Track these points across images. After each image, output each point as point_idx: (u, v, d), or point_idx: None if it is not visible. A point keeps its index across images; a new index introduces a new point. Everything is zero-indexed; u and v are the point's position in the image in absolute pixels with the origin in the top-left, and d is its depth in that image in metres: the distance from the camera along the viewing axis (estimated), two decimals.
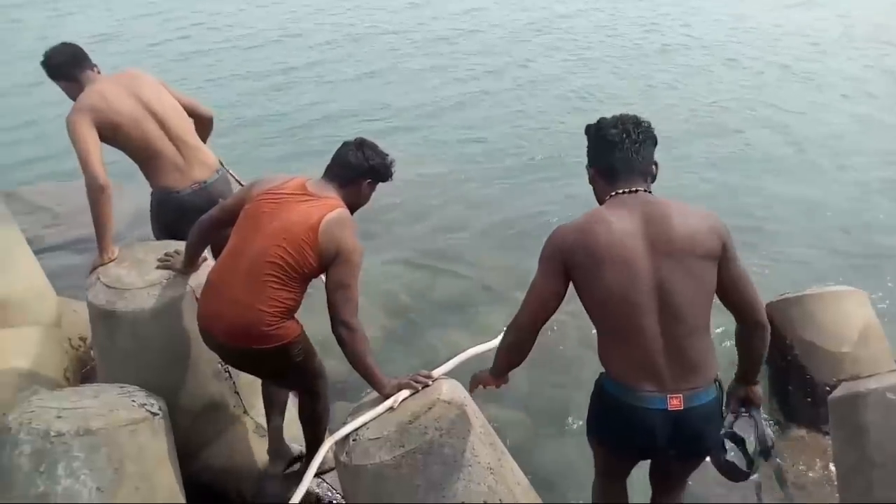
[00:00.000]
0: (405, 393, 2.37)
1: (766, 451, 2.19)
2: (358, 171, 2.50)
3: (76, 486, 2.09)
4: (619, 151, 2.01)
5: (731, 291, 2.00)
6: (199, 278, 2.78)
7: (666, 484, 2.29)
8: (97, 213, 2.90)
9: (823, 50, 10.22)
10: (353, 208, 2.52)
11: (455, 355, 2.60)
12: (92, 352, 3.31)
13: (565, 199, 6.22)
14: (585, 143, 2.16)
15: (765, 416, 2.19)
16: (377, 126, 7.91)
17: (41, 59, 3.12)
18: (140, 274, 2.79)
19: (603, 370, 2.09)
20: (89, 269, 2.89)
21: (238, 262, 2.39)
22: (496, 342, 2.66)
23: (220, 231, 2.67)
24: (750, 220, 5.99)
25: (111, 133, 2.99)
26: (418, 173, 6.77)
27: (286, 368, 2.54)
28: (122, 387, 2.49)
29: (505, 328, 2.23)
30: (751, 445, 2.20)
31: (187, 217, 2.99)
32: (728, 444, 2.14)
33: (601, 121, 2.08)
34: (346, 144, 2.55)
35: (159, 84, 3.23)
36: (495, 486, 2.28)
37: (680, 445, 1.96)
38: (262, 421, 2.89)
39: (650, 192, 2.03)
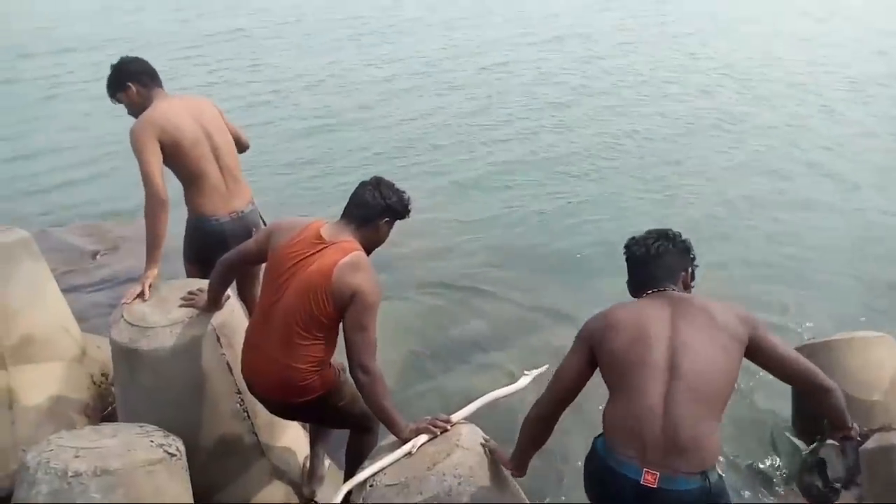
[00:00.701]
0: (424, 437, 2.34)
1: (850, 481, 2.21)
2: (375, 210, 2.51)
3: None
4: (642, 267, 2.16)
5: (781, 371, 2.05)
6: (221, 318, 2.81)
7: None
8: (153, 225, 3.03)
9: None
10: (371, 248, 2.54)
11: (474, 399, 2.57)
12: (113, 388, 3.33)
13: (592, 241, 6.24)
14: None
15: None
16: (401, 164, 8.02)
17: (114, 65, 3.21)
18: (163, 312, 2.81)
19: None
20: (139, 284, 2.96)
21: (269, 322, 2.47)
22: (516, 387, 2.66)
23: (240, 271, 2.79)
24: (776, 262, 5.94)
25: (170, 150, 3.09)
26: (440, 213, 6.83)
27: (332, 413, 2.60)
28: (140, 426, 2.49)
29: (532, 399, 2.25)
30: (832, 472, 2.22)
31: (224, 244, 3.12)
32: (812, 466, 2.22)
33: (630, 239, 2.24)
34: (362, 184, 2.57)
35: (220, 113, 3.39)
36: None
37: None
38: (279, 463, 2.87)
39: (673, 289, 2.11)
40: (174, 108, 3.15)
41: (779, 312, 5.19)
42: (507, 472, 2.37)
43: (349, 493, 2.30)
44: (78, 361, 3.55)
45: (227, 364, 2.79)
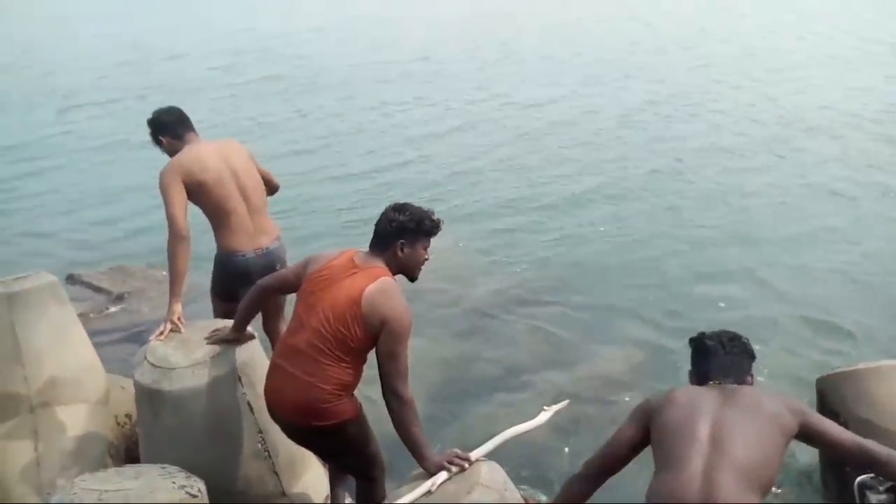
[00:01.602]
0: (444, 475, 2.33)
1: None
2: (388, 234, 2.52)
3: None
4: (711, 359, 2.24)
5: (836, 453, 2.24)
6: (242, 357, 2.84)
7: None
8: (174, 261, 3.20)
9: None
10: (399, 271, 2.54)
11: (494, 434, 2.57)
12: (137, 429, 3.36)
13: (623, 283, 6.21)
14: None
15: None
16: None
17: (149, 118, 3.48)
18: (186, 353, 2.86)
19: None
20: (163, 324, 3.06)
21: (296, 342, 2.50)
22: (535, 422, 2.66)
23: (271, 297, 2.92)
24: (801, 290, 5.87)
25: (195, 188, 3.27)
26: (466, 256, 6.87)
27: (343, 448, 2.59)
28: (163, 467, 2.52)
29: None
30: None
31: (249, 279, 3.20)
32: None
33: (701, 333, 2.35)
34: (384, 210, 2.59)
35: (248, 155, 3.54)
36: None
37: None
38: (299, 502, 2.87)
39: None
40: (202, 151, 3.36)
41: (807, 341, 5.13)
42: None
43: None
44: (103, 403, 3.59)
45: (248, 404, 2.82)
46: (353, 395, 2.54)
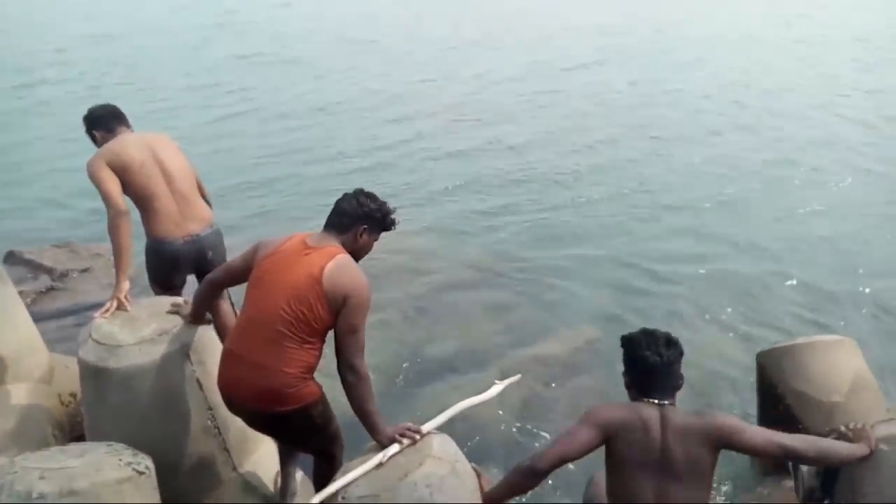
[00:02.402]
0: (395, 448, 2.35)
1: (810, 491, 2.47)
2: (353, 217, 2.52)
3: None
4: (654, 376, 2.30)
5: (759, 456, 2.41)
6: (191, 335, 2.80)
7: None
8: (117, 237, 3.18)
9: None
10: (352, 257, 2.53)
11: (444, 409, 2.59)
12: (82, 408, 3.28)
13: (569, 256, 6.31)
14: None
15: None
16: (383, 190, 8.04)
17: (84, 114, 3.51)
18: (132, 331, 2.79)
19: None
20: (109, 301, 3.00)
21: (254, 329, 2.45)
22: (486, 396, 2.69)
23: (223, 289, 2.89)
24: (746, 269, 6.08)
25: (119, 172, 3.25)
26: (421, 237, 6.87)
27: (307, 430, 2.57)
28: (109, 445, 2.46)
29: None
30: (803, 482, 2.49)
31: (178, 267, 3.40)
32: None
33: (634, 341, 2.36)
34: (344, 194, 2.60)
35: (176, 146, 3.53)
36: None
37: None
38: (251, 479, 2.86)
39: (674, 404, 2.31)
40: (128, 139, 3.38)
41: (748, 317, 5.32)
42: (478, 485, 2.39)
43: None
44: (45, 382, 3.50)
45: (198, 381, 2.77)
46: (313, 378, 2.52)
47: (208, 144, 9.41)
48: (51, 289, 5.28)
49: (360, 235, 2.54)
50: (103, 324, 2.84)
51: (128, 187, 3.29)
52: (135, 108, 11.50)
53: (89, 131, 3.51)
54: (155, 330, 2.78)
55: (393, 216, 2.61)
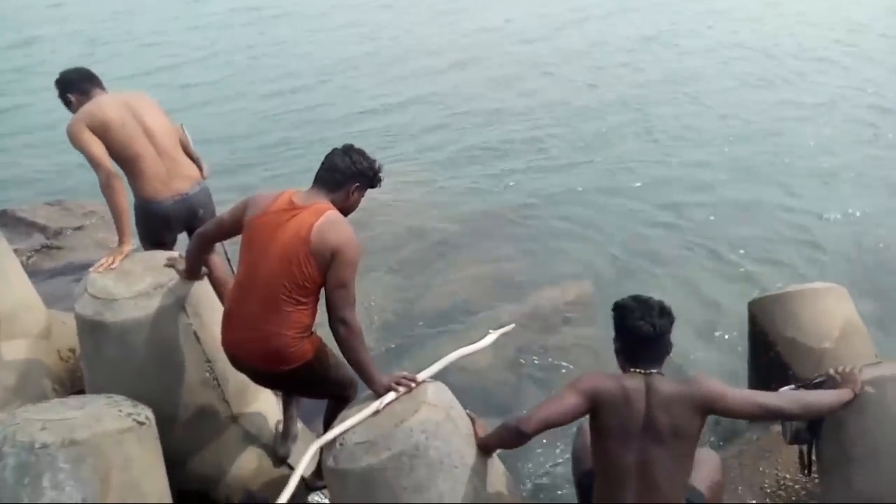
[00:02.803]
0: (391, 396, 2.39)
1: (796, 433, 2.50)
2: (346, 174, 2.51)
3: (61, 497, 2.09)
4: (645, 345, 2.29)
5: (745, 418, 2.45)
6: (186, 288, 2.81)
7: None
8: (113, 198, 3.18)
9: None
10: (342, 213, 2.53)
11: (440, 358, 2.63)
12: (80, 362, 3.32)
13: (563, 212, 6.30)
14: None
15: None
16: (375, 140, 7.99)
17: (56, 78, 3.44)
18: (128, 285, 2.80)
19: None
20: (111, 255, 2.99)
21: (251, 293, 2.48)
22: (481, 344, 2.73)
23: (214, 243, 2.91)
24: (736, 220, 6.09)
25: (100, 133, 3.22)
26: (411, 188, 6.83)
27: (315, 383, 2.63)
28: (108, 397, 2.50)
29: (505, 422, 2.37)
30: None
31: (169, 226, 3.41)
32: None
33: (627, 309, 2.31)
34: (333, 150, 2.57)
35: (155, 104, 3.47)
36: (481, 486, 2.31)
37: None
38: (251, 428, 2.92)
39: (661, 372, 2.31)
40: (105, 100, 3.34)
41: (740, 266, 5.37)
42: (472, 430, 2.44)
43: (320, 452, 2.35)
44: (44, 338, 3.52)
45: (195, 333, 2.80)
46: (313, 331, 2.56)
47: (220, 105, 9.31)
48: (45, 247, 5.25)
49: (353, 193, 2.54)
50: (98, 278, 2.84)
51: (110, 149, 3.25)
52: (141, 64, 11.33)
53: (63, 95, 3.42)
54: (150, 284, 2.78)
55: (381, 174, 2.61)
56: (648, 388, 2.25)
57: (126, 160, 3.30)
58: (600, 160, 7.41)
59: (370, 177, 2.57)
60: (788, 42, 10.83)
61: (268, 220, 2.46)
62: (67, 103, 3.42)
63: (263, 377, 2.67)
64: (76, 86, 3.38)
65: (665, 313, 2.30)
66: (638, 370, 2.29)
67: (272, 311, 2.42)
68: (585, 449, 2.52)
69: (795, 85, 9.20)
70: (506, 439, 2.35)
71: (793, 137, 7.65)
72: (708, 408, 2.24)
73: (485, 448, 2.40)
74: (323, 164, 2.55)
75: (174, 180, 3.38)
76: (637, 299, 2.33)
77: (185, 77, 10.78)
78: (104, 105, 3.27)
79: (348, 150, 2.55)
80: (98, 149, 3.18)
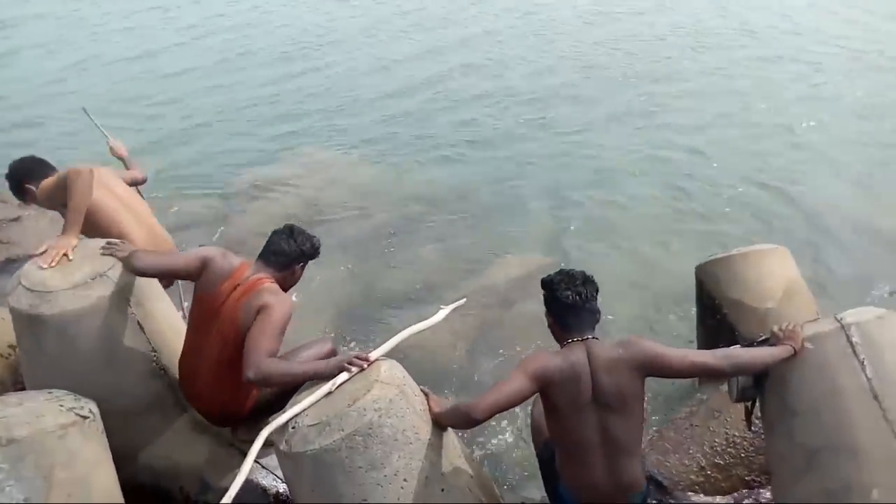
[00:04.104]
0: (343, 376, 2.36)
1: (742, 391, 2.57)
2: (291, 257, 2.71)
3: (2, 498, 2.02)
4: (574, 312, 2.39)
5: (682, 377, 2.54)
6: (126, 277, 2.73)
7: None
8: (80, 192, 2.97)
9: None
10: (287, 287, 2.74)
11: (392, 336, 2.61)
12: (20, 358, 3.20)
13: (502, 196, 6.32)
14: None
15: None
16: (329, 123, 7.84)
17: (7, 173, 3.31)
18: (64, 275, 2.70)
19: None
20: (55, 248, 2.82)
21: (200, 362, 2.70)
22: (433, 320, 2.72)
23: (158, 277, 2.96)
24: (681, 189, 6.21)
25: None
26: (361, 170, 6.76)
27: (271, 411, 2.57)
28: (49, 392, 2.42)
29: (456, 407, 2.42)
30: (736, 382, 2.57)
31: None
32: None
33: (553, 283, 2.43)
34: (277, 233, 2.75)
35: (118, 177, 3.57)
36: (437, 460, 2.31)
37: None
38: (201, 417, 2.86)
39: (596, 337, 2.41)
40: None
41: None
42: (427, 405, 2.43)
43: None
44: None
45: (138, 323, 2.72)
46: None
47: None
48: None
49: (297, 271, 2.77)
50: (32, 270, 2.72)
51: (97, 227, 3.18)
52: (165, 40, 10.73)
53: (21, 187, 3.26)
54: (88, 273, 2.69)
55: (319, 246, 2.82)
56: (589, 354, 2.34)
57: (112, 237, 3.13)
58: (549, 136, 7.44)
59: (312, 255, 2.79)
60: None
61: (214, 303, 2.62)
62: (25, 193, 3.27)
63: (223, 424, 2.89)
64: (36, 173, 3.26)
65: (588, 281, 2.43)
66: (574, 339, 2.38)
67: (219, 384, 2.66)
68: (542, 419, 2.57)
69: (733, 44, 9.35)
70: (457, 423, 2.42)
71: (734, 100, 7.81)
72: (646, 368, 2.33)
73: (441, 423, 2.41)
74: (269, 245, 2.73)
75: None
76: (561, 272, 2.46)
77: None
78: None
79: (291, 232, 2.74)
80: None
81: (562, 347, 2.41)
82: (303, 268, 2.80)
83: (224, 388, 2.67)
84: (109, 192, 3.34)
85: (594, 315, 2.43)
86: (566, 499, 2.46)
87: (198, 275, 2.69)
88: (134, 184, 3.72)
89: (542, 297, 2.51)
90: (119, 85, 9.47)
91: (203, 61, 10.19)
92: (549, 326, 2.49)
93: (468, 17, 11.57)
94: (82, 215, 2.96)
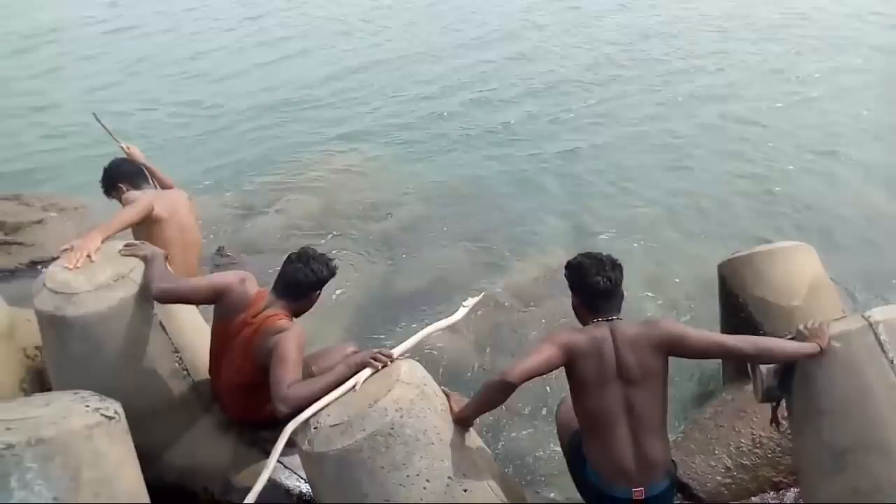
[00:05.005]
0: (367, 373, 2.37)
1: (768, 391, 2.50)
2: (308, 286, 2.70)
3: (31, 497, 2.03)
4: (604, 297, 2.43)
5: (708, 357, 2.47)
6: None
7: None
8: (130, 212, 3.30)
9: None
10: (303, 312, 2.75)
11: (414, 333, 2.61)
12: (45, 359, 3.23)
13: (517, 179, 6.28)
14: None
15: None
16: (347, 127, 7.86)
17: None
18: (88, 277, 2.73)
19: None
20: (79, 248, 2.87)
21: (219, 381, 2.80)
22: (454, 318, 2.72)
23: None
24: (705, 185, 6.14)
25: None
26: (376, 166, 6.77)
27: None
28: (75, 393, 2.43)
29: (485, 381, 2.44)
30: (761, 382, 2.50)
31: None
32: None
33: (583, 267, 2.45)
34: (291, 262, 2.70)
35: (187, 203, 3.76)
36: (459, 461, 2.30)
37: None
38: (224, 417, 2.88)
39: (621, 318, 2.44)
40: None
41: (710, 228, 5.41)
42: (447, 405, 2.42)
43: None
44: (7, 337, 3.42)
45: (160, 323, 2.75)
46: None
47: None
48: (4, 243, 5.08)
49: (314, 297, 2.76)
50: (57, 272, 2.76)
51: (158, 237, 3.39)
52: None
53: (115, 184, 3.58)
54: (111, 275, 2.72)
55: (335, 270, 2.78)
56: (613, 333, 2.38)
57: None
58: (565, 132, 7.39)
59: (328, 279, 2.76)
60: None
61: (227, 330, 2.67)
62: (115, 190, 3.58)
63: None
64: (133, 180, 3.57)
65: (616, 266, 2.47)
66: (600, 319, 2.42)
67: (241, 402, 2.74)
68: (568, 413, 2.61)
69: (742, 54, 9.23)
70: (492, 397, 2.39)
71: (751, 102, 7.71)
72: (668, 346, 2.37)
73: (464, 419, 2.40)
74: (284, 277, 2.69)
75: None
76: (589, 256, 2.49)
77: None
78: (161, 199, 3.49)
79: (306, 259, 2.68)
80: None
81: (584, 326, 2.45)
82: (319, 293, 2.78)
83: (242, 404, 2.76)
84: (174, 222, 3.50)
85: (621, 298, 2.48)
86: (593, 480, 2.48)
87: (212, 302, 2.75)
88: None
89: (560, 295, 2.53)
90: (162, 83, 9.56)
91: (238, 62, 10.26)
92: (575, 307, 2.53)
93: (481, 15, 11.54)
94: (115, 230, 3.11)
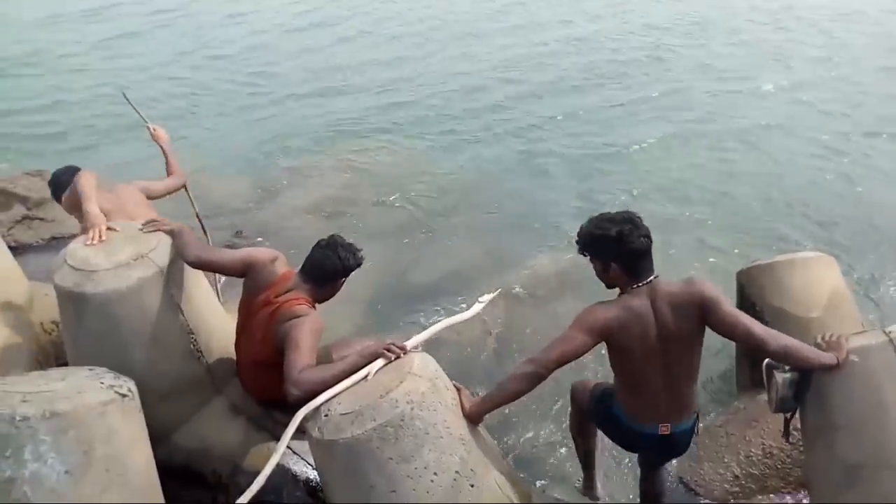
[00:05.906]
0: (380, 363, 2.37)
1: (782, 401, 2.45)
2: (335, 273, 2.73)
3: (44, 469, 2.06)
4: (645, 256, 2.40)
5: (735, 336, 2.40)
6: (167, 258, 2.77)
7: (651, 468, 2.83)
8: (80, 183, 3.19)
9: None
10: (326, 299, 2.78)
11: (428, 327, 2.61)
12: (62, 334, 3.27)
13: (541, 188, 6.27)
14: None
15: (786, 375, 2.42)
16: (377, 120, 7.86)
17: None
18: (107, 255, 2.75)
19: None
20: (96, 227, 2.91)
21: (241, 356, 2.87)
22: (469, 313, 2.72)
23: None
24: (723, 191, 6.07)
25: None
26: (391, 159, 6.76)
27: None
28: (90, 369, 2.46)
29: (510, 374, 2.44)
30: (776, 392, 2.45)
31: None
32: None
33: (624, 232, 2.36)
34: (320, 247, 2.74)
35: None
36: (467, 456, 2.30)
37: (663, 452, 2.68)
38: (236, 399, 2.90)
39: (658, 275, 2.43)
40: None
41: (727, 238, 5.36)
42: (458, 400, 2.42)
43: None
44: (25, 310, 3.47)
45: (177, 304, 2.76)
46: None
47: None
48: (26, 218, 5.15)
49: (338, 285, 2.79)
50: (77, 249, 2.79)
51: None
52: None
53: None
54: (130, 254, 2.73)
55: (362, 259, 2.80)
56: (653, 296, 2.37)
57: None
58: (582, 129, 7.35)
59: (355, 267, 2.77)
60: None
61: (250, 306, 2.72)
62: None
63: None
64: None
65: (643, 222, 2.43)
66: (640, 284, 2.38)
67: (262, 381, 2.75)
68: (581, 383, 2.80)
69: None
70: (519, 387, 2.37)
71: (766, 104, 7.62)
72: (703, 310, 2.34)
73: (478, 413, 2.40)
74: (312, 261, 2.72)
75: None
76: (615, 221, 2.39)
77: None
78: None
79: (335, 247, 2.72)
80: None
81: (621, 294, 2.43)
82: (343, 282, 2.79)
83: (260, 383, 2.79)
84: (122, 215, 3.30)
85: (651, 253, 2.43)
86: (618, 414, 2.56)
87: (241, 275, 2.77)
88: (169, 193, 3.79)
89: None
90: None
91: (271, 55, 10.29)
92: (611, 276, 2.44)
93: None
94: (92, 197, 3.08)
